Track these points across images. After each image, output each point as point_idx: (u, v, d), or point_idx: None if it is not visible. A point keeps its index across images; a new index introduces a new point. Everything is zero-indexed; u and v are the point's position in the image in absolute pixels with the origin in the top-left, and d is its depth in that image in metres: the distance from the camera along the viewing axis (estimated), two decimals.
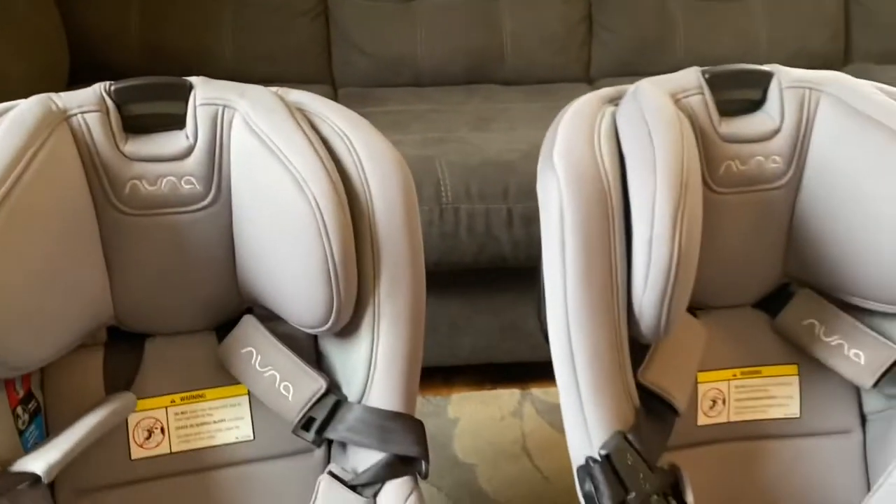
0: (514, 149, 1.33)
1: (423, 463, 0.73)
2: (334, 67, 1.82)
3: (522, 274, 1.34)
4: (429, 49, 1.79)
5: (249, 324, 0.78)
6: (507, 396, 1.46)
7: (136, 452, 0.77)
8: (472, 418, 1.40)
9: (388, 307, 0.72)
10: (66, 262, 0.68)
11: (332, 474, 0.73)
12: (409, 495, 0.71)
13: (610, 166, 0.70)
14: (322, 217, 0.67)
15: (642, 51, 1.86)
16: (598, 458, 0.68)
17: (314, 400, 0.75)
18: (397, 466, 0.72)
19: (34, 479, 0.66)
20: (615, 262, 0.68)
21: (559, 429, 1.38)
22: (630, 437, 0.69)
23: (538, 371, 1.51)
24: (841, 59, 1.91)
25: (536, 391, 1.48)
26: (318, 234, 0.67)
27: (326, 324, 0.71)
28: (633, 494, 0.67)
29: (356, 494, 0.72)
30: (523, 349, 1.44)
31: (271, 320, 0.79)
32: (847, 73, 0.81)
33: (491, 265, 1.30)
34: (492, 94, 1.73)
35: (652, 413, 0.73)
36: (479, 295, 1.38)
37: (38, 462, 0.67)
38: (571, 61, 1.86)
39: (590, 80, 1.87)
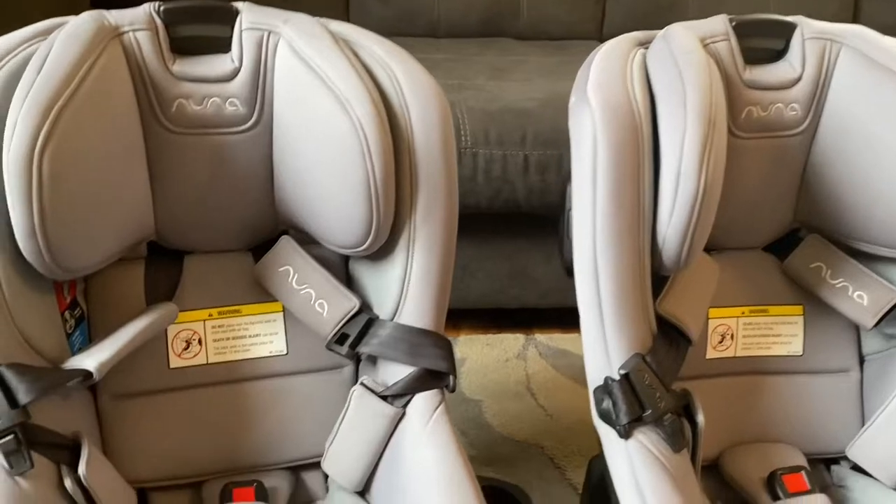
0: (532, 97, 1.35)
1: (451, 377, 0.77)
2: (351, 15, 1.83)
3: (534, 221, 1.38)
4: (446, 1, 1.80)
5: (287, 244, 0.81)
6: (512, 340, 1.51)
7: (175, 362, 0.81)
8: (479, 359, 1.44)
9: (423, 230, 0.75)
10: (114, 175, 0.71)
11: (364, 385, 0.77)
12: (438, 406, 0.75)
13: (641, 102, 0.73)
14: (366, 138, 0.70)
15: (654, 11, 1.88)
16: (618, 377, 0.72)
17: (348, 317, 0.79)
18: (426, 380, 0.76)
19: (85, 375, 0.70)
20: (643, 193, 0.71)
21: (563, 371, 1.44)
22: (648, 359, 0.73)
23: (543, 317, 1.55)
24: None
25: (540, 336, 1.53)
26: (361, 155, 0.70)
27: (364, 244, 0.75)
28: (648, 411, 0.71)
29: (387, 404, 0.76)
30: (530, 295, 1.48)
31: (305, 243, 0.82)
32: None
33: (505, 210, 1.34)
34: (506, 48, 1.75)
35: (667, 341, 0.77)
36: (491, 240, 1.42)
37: (89, 360, 0.70)
38: (585, 19, 1.88)
39: (602, 38, 1.89)
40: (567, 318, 1.55)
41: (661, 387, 0.72)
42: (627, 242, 0.71)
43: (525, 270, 1.45)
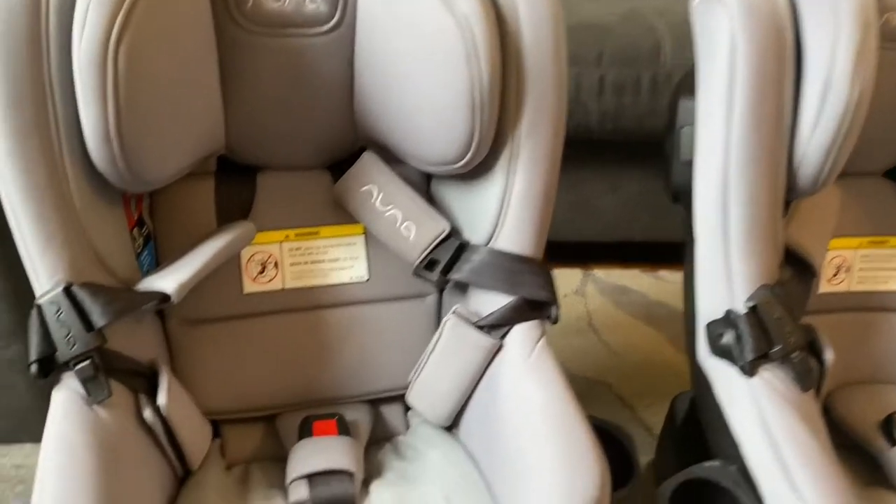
0: (610, 12, 1.25)
1: (554, 308, 0.70)
2: None
3: (602, 147, 1.30)
4: None
5: (371, 161, 0.74)
6: (569, 275, 1.45)
7: (249, 287, 0.75)
8: None
9: (528, 144, 0.68)
10: (188, 76, 0.64)
11: (458, 315, 0.71)
12: (540, 339, 0.69)
13: (782, 1, 0.64)
14: (472, 37, 0.62)
15: None
16: (744, 309, 0.66)
17: (437, 241, 0.72)
18: (525, 310, 0.70)
19: (162, 298, 0.64)
20: (785, 106, 0.64)
21: (623, 308, 1.38)
22: (777, 290, 0.66)
23: (600, 252, 1.48)
24: None
25: (599, 272, 1.46)
26: (465, 57, 0.63)
27: (462, 160, 0.67)
28: (777, 347, 0.65)
29: (484, 335, 0.70)
30: (592, 229, 1.41)
31: (386, 161, 0.75)
32: None
33: (574, 136, 1.23)
34: None
35: (793, 272, 0.70)
36: None
37: (166, 282, 0.64)
38: None
39: None
40: (628, 253, 1.49)
41: (791, 322, 0.66)
42: (766, 161, 0.64)
43: (588, 201, 1.37)
